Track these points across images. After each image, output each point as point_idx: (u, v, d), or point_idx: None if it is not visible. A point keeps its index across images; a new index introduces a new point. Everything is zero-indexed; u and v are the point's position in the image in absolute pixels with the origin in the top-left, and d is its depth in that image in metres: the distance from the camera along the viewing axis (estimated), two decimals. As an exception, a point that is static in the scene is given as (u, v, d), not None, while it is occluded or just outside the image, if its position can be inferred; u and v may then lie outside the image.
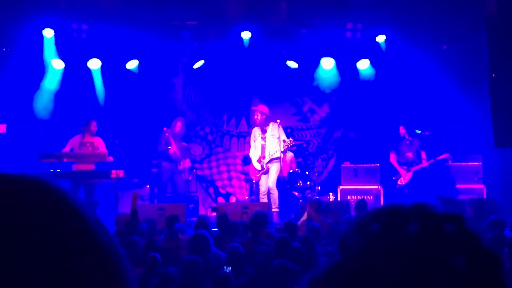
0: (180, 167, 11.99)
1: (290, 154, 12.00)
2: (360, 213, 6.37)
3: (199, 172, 13.12)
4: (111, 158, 10.55)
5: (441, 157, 11.31)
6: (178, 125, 12.20)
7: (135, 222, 7.40)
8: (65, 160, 10.42)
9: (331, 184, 12.64)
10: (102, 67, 12.33)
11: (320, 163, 13.49)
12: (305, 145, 13.48)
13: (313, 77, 13.06)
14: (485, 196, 10.95)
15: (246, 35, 12.14)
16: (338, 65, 12.76)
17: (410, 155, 11.47)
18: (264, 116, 11.11)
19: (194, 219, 9.48)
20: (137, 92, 12.59)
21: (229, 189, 13.43)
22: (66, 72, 12.07)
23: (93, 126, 10.92)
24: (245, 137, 13.56)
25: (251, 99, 13.50)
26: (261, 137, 11.15)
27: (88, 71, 12.30)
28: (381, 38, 12.14)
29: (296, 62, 12.87)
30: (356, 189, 11.67)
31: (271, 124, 11.08)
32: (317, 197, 10.83)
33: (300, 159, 12.88)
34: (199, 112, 13.10)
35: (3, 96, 11.39)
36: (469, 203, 8.76)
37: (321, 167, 13.46)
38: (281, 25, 12.06)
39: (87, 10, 11.27)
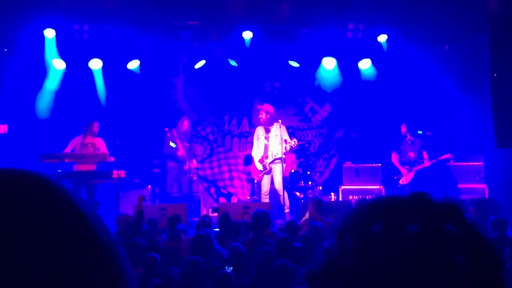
0: (186, 167, 11.95)
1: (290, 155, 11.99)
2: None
3: (200, 172, 13.12)
4: (112, 159, 10.56)
5: (443, 157, 11.30)
6: (185, 124, 12.12)
7: (140, 223, 7.40)
8: (66, 160, 10.43)
9: (333, 184, 12.63)
10: (103, 67, 12.33)
11: (322, 163, 13.49)
12: (306, 145, 13.48)
13: (315, 77, 13.06)
14: (487, 196, 10.94)
15: (247, 35, 12.14)
16: (340, 65, 12.75)
17: (411, 155, 11.46)
18: (269, 116, 11.11)
19: (196, 219, 9.49)
20: (138, 92, 12.59)
21: (231, 189, 13.42)
22: (67, 72, 12.07)
23: (95, 127, 10.93)
24: (246, 137, 13.56)
25: (253, 99, 13.51)
26: (265, 137, 11.14)
27: (89, 71, 12.30)
28: (382, 38, 12.14)
29: (298, 62, 12.87)
30: (358, 189, 11.66)
31: (275, 124, 11.08)
32: (319, 197, 10.82)
33: (301, 159, 12.87)
34: (200, 112, 13.10)
35: (5, 97, 11.40)
36: (470, 203, 8.75)
37: (323, 167, 13.46)
38: (283, 25, 12.06)
39: (88, 10, 11.27)
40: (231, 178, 13.49)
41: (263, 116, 11.15)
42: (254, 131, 12.20)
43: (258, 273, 5.83)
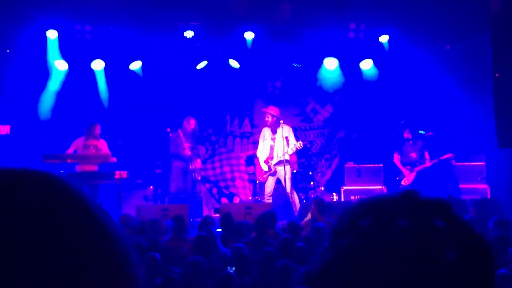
0: (192, 166, 11.93)
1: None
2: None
3: (202, 173, 13.12)
4: (114, 159, 10.56)
5: (445, 157, 11.29)
6: (192, 123, 12.09)
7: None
8: (68, 161, 10.44)
9: (335, 184, 12.62)
10: (105, 68, 12.34)
11: (324, 163, 13.48)
12: (308, 145, 13.47)
13: (316, 77, 13.07)
14: (488, 196, 10.93)
15: (249, 35, 12.15)
16: (341, 65, 12.75)
17: (413, 155, 11.46)
18: (275, 118, 11.13)
19: (198, 219, 9.49)
20: (140, 93, 12.59)
21: (233, 190, 13.42)
22: (69, 73, 12.08)
23: (97, 129, 10.93)
24: (248, 137, 13.56)
25: (254, 100, 13.52)
26: (271, 138, 11.15)
27: (92, 72, 12.31)
28: (384, 38, 12.14)
29: (299, 62, 12.87)
30: (360, 190, 11.65)
31: (282, 126, 11.09)
32: (321, 198, 10.81)
33: (303, 160, 12.86)
34: (202, 113, 13.09)
35: (7, 98, 11.41)
36: (471, 203, 8.74)
37: (325, 168, 13.46)
38: (284, 25, 12.06)
39: (90, 11, 11.28)
40: (233, 179, 13.49)
41: (269, 119, 11.17)
42: (256, 131, 12.23)
43: (260, 274, 5.84)
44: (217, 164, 13.59)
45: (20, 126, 11.46)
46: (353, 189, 11.74)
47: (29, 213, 0.69)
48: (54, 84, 11.95)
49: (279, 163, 10.98)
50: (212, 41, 12.38)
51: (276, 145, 11.04)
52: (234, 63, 12.72)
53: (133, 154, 12.13)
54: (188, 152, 11.80)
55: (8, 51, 11.65)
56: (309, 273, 0.88)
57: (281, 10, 11.68)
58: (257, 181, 11.66)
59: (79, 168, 10.66)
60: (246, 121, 13.65)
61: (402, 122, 11.57)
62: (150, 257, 5.82)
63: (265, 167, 11.18)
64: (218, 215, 9.40)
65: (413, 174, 11.42)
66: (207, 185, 13.37)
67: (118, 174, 10.20)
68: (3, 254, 0.66)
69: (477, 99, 11.54)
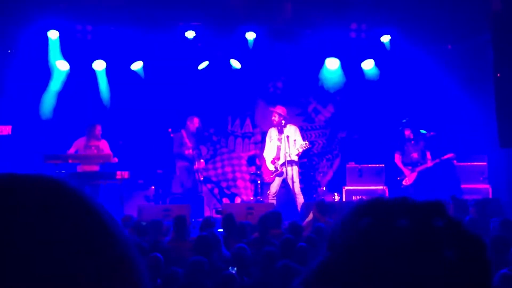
0: (196, 166, 11.92)
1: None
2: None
3: (204, 173, 13.12)
4: (116, 159, 10.57)
5: (446, 156, 11.29)
6: (196, 121, 12.04)
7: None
8: (70, 161, 10.45)
9: (336, 184, 12.62)
10: (106, 68, 12.35)
11: (325, 163, 13.48)
12: (310, 145, 13.46)
13: (318, 77, 13.06)
14: (490, 196, 10.92)
15: (250, 35, 12.15)
16: (343, 66, 12.75)
17: (415, 155, 11.45)
18: (281, 118, 11.09)
19: (200, 219, 9.49)
20: (142, 93, 12.60)
21: (234, 190, 13.42)
22: (71, 73, 12.09)
23: (98, 130, 10.93)
24: (249, 137, 13.57)
25: (256, 100, 13.52)
26: (277, 138, 11.12)
27: (93, 72, 12.32)
28: (385, 38, 12.13)
29: (301, 63, 12.87)
30: (361, 190, 11.65)
31: (288, 126, 11.08)
32: (322, 198, 10.81)
33: (305, 160, 12.86)
34: (204, 113, 13.09)
35: (8, 98, 11.42)
36: (473, 203, 8.73)
37: (326, 168, 13.46)
38: (286, 25, 12.06)
39: (91, 11, 11.29)
40: (234, 179, 13.49)
41: (276, 118, 11.12)
42: (257, 132, 12.23)
43: (261, 274, 5.84)
44: (218, 164, 13.59)
45: (22, 126, 11.47)
46: (355, 189, 11.74)
47: (31, 217, 0.70)
48: (55, 84, 11.96)
49: (286, 163, 10.93)
50: (214, 41, 12.39)
51: (283, 145, 11.00)
52: (235, 63, 12.73)
53: (135, 154, 12.13)
54: (191, 152, 11.77)
55: (9, 51, 11.66)
56: (306, 277, 0.88)
57: (283, 10, 11.68)
58: (258, 181, 11.65)
59: (80, 169, 10.67)
60: (248, 121, 13.65)
61: (404, 121, 11.56)
62: (152, 258, 5.82)
63: (271, 167, 11.15)
64: (219, 216, 9.40)
65: (415, 174, 11.41)
66: (209, 185, 13.37)
67: (119, 174, 10.20)
68: (7, 256, 0.66)
69: (478, 99, 11.54)
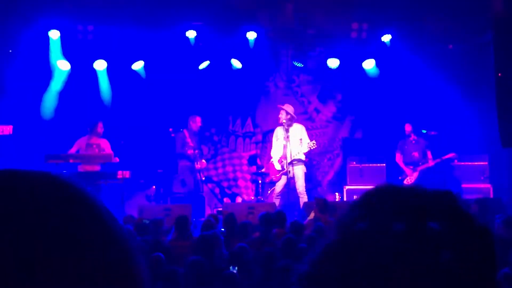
0: (198, 166, 11.91)
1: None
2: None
3: (205, 173, 13.13)
4: (117, 159, 10.57)
5: (447, 156, 11.28)
6: (198, 120, 11.98)
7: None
8: (71, 161, 10.45)
9: (337, 184, 12.62)
10: (107, 68, 12.35)
11: (326, 163, 13.47)
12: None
13: (319, 77, 13.07)
14: (491, 196, 10.92)
15: (251, 35, 12.15)
16: (344, 65, 12.75)
17: (416, 154, 11.45)
18: (289, 116, 11.04)
19: (202, 219, 9.49)
20: (143, 93, 12.61)
21: (235, 190, 13.43)
22: (72, 73, 12.11)
23: (100, 127, 10.95)
24: (250, 137, 13.57)
25: (257, 100, 13.52)
26: (284, 137, 11.07)
27: (94, 72, 12.32)
28: (386, 38, 12.13)
29: (302, 62, 12.87)
30: (362, 189, 11.58)
31: (294, 125, 11.05)
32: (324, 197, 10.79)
33: (306, 160, 12.86)
34: (205, 113, 13.08)
35: (9, 98, 11.43)
36: (474, 203, 8.72)
37: (327, 167, 13.45)
38: (287, 25, 12.06)
39: (92, 11, 11.30)
40: (235, 179, 13.49)
41: (283, 115, 11.04)
42: (258, 131, 12.21)
43: (262, 274, 5.84)
44: (219, 164, 13.59)
45: (23, 126, 11.48)
46: (356, 188, 11.74)
47: (31, 212, 0.70)
48: (56, 84, 11.96)
49: (293, 162, 10.91)
50: (214, 41, 12.39)
51: (289, 144, 10.97)
52: (236, 63, 12.73)
53: (136, 154, 12.13)
54: (191, 151, 11.75)
55: (10, 51, 11.67)
56: (301, 277, 0.87)
57: (284, 10, 11.68)
58: (259, 181, 11.64)
59: (81, 168, 10.68)
60: (249, 121, 13.64)
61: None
62: (154, 257, 5.82)
63: (278, 166, 11.11)
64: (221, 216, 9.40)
65: (416, 174, 11.41)
66: (210, 185, 13.37)
67: (120, 174, 10.21)
68: (8, 252, 0.67)
69: (479, 98, 11.54)
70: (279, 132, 11.20)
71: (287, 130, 11.04)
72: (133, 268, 0.75)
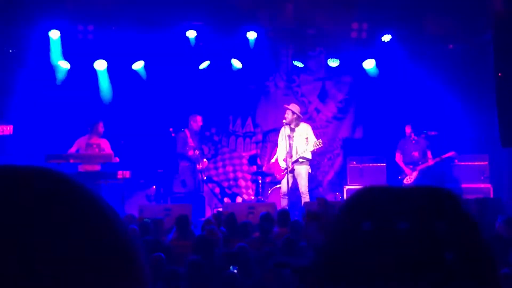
0: (199, 166, 11.90)
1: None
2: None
3: (205, 172, 13.12)
4: (117, 159, 10.58)
5: (447, 155, 11.28)
6: (199, 119, 11.95)
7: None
8: (71, 161, 10.45)
9: (338, 184, 12.62)
10: (108, 68, 12.35)
11: (326, 162, 13.47)
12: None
13: (320, 77, 13.07)
14: (491, 195, 10.92)
15: (251, 35, 12.15)
16: (344, 65, 12.76)
17: (416, 154, 11.44)
18: (295, 115, 11.03)
19: (202, 219, 9.49)
20: (143, 93, 12.61)
21: (235, 190, 13.43)
22: (72, 73, 12.11)
23: (100, 127, 10.96)
24: (251, 137, 13.56)
25: (257, 100, 13.51)
26: (290, 136, 11.05)
27: (94, 72, 12.32)
28: (386, 38, 12.12)
29: (302, 62, 12.86)
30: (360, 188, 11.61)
31: (301, 124, 11.04)
32: (324, 197, 10.77)
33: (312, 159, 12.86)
34: (205, 113, 13.08)
35: (10, 98, 11.43)
36: (474, 202, 8.72)
37: (327, 167, 13.44)
38: (287, 25, 12.07)
39: (92, 11, 11.30)
40: (235, 179, 13.49)
41: (289, 115, 11.01)
42: (258, 131, 12.19)
43: (262, 273, 5.84)
44: (219, 164, 13.59)
45: (23, 126, 11.47)
46: (356, 188, 11.69)
47: (31, 207, 0.70)
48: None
49: (298, 161, 10.90)
50: (215, 40, 12.39)
51: (295, 143, 10.95)
52: (236, 63, 12.73)
53: (136, 154, 12.13)
54: (191, 152, 11.73)
55: (10, 51, 11.67)
56: (301, 269, 0.87)
57: (284, 10, 11.68)
58: (260, 181, 11.65)
59: (81, 168, 10.68)
60: (249, 121, 13.64)
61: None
62: (155, 257, 5.83)
63: (283, 165, 11.08)
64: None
65: (416, 173, 11.40)
66: (210, 185, 13.37)
67: (120, 174, 10.21)
68: (9, 246, 0.67)
69: (479, 98, 11.53)
70: (284, 131, 11.17)
71: (293, 130, 11.02)
72: (136, 265, 0.75)
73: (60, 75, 12.01)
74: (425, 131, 11.43)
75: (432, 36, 11.76)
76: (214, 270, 5.73)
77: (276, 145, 11.68)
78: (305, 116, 13.49)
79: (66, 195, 0.74)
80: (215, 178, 13.52)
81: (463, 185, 11.25)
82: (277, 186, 11.37)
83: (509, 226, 6.65)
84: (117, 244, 0.74)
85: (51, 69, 11.93)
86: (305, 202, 10.50)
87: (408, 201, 0.86)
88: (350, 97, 13.27)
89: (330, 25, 11.79)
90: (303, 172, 10.84)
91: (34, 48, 11.59)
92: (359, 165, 12.01)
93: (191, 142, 11.72)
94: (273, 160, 11.71)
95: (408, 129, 11.52)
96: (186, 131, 11.81)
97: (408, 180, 11.43)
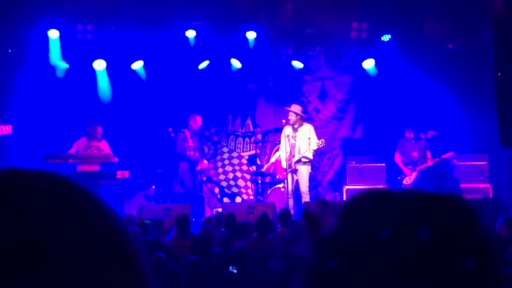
0: (198, 168, 11.89)
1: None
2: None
3: (205, 172, 13.13)
4: (116, 159, 10.58)
5: (446, 155, 11.28)
6: (198, 119, 11.95)
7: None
8: (70, 161, 10.45)
9: (337, 184, 12.62)
10: (107, 67, 12.35)
11: (326, 162, 13.46)
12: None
13: (319, 77, 13.08)
14: (491, 196, 10.92)
15: (251, 35, 12.15)
16: (343, 65, 12.76)
17: (415, 154, 11.44)
18: (299, 116, 11.05)
19: (202, 219, 9.50)
20: (142, 93, 12.61)
21: (235, 189, 13.43)
22: (71, 73, 12.11)
23: (99, 131, 10.96)
24: (250, 137, 13.57)
25: (256, 99, 13.51)
26: (292, 136, 11.06)
27: (93, 71, 12.32)
28: (386, 38, 12.13)
29: (302, 62, 12.87)
30: (362, 189, 11.61)
31: (304, 124, 11.06)
32: (323, 197, 10.79)
33: (313, 160, 12.86)
34: (204, 112, 13.09)
35: (9, 98, 11.42)
36: (474, 203, 8.71)
37: (327, 167, 13.44)
38: (287, 25, 12.07)
39: (91, 10, 11.29)
40: (235, 178, 13.50)
41: (293, 117, 11.03)
42: (258, 131, 12.18)
43: (262, 273, 5.84)
44: (219, 164, 13.60)
45: (22, 126, 11.47)
46: (355, 188, 11.74)
47: (32, 209, 0.70)
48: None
49: (300, 162, 10.90)
50: (214, 40, 12.40)
51: (297, 143, 10.96)
52: (236, 63, 12.73)
53: (135, 154, 12.13)
54: (192, 153, 11.73)
55: (10, 51, 11.67)
56: (310, 273, 0.86)
57: (283, 9, 11.68)
58: (259, 181, 11.64)
59: (80, 168, 10.68)
60: (248, 121, 13.64)
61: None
62: (155, 257, 5.82)
63: (285, 165, 11.08)
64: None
65: (415, 174, 11.40)
66: (209, 185, 13.38)
67: (120, 174, 10.21)
68: (10, 245, 0.67)
69: (479, 98, 11.52)
70: (287, 131, 11.17)
71: (295, 130, 11.04)
72: (136, 265, 0.75)
73: (60, 74, 12.01)
74: (423, 135, 11.43)
75: (431, 36, 11.76)
76: (213, 269, 5.73)
77: (275, 144, 11.69)
78: (305, 116, 13.52)
79: (65, 197, 0.74)
80: (215, 178, 13.52)
81: (463, 185, 11.25)
82: (277, 186, 11.37)
83: (509, 226, 6.64)
84: (117, 245, 0.74)
85: (50, 69, 11.93)
86: (305, 202, 10.50)
87: (417, 208, 0.85)
88: (350, 97, 13.27)
89: (330, 25, 11.79)
90: (304, 172, 10.87)
91: (33, 47, 11.59)
92: (358, 165, 12.01)
93: (190, 142, 11.71)
94: (272, 160, 11.72)
95: (408, 134, 11.54)
96: (186, 131, 11.81)
97: (408, 180, 11.42)
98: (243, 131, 13.68)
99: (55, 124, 11.85)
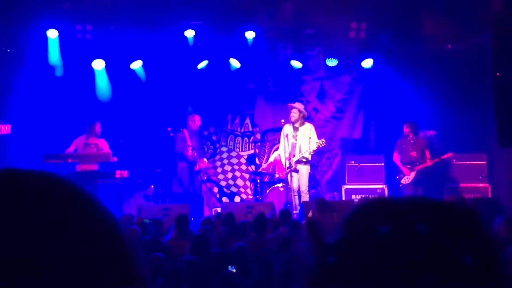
0: (197, 167, 11.88)
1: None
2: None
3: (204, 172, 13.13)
4: (115, 159, 10.57)
5: (445, 156, 11.28)
6: (197, 119, 11.95)
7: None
8: (69, 160, 10.45)
9: (336, 183, 12.62)
10: (106, 67, 12.34)
11: (325, 162, 13.46)
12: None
13: (318, 77, 13.08)
14: (489, 195, 10.93)
15: (250, 34, 12.15)
16: (342, 65, 12.76)
17: (414, 154, 11.43)
18: (301, 114, 11.03)
19: (200, 219, 9.49)
20: (141, 92, 12.61)
21: (234, 189, 13.42)
22: (70, 72, 12.10)
23: (98, 127, 10.95)
24: (249, 136, 13.56)
25: (255, 99, 13.51)
26: (293, 135, 11.04)
27: (92, 71, 12.31)
28: (384, 38, 12.13)
29: (300, 62, 12.86)
30: (361, 188, 11.66)
31: (306, 124, 11.04)
32: (322, 197, 10.79)
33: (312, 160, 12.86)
34: (203, 112, 13.08)
35: (8, 97, 11.41)
36: (473, 202, 8.72)
37: (326, 166, 13.44)
38: (286, 25, 12.07)
39: (91, 10, 11.29)
40: (234, 178, 13.49)
41: (295, 114, 11.01)
42: (256, 131, 12.17)
43: (261, 273, 5.84)
44: (218, 163, 13.59)
45: (21, 125, 11.46)
46: (354, 188, 11.76)
47: (30, 209, 0.70)
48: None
49: (301, 161, 10.89)
50: (213, 40, 12.39)
51: (298, 142, 10.95)
52: (235, 62, 12.73)
53: (134, 153, 12.12)
54: (189, 153, 11.71)
55: (9, 50, 11.66)
56: (311, 273, 0.87)
57: (282, 9, 11.69)
58: (258, 180, 11.64)
59: (79, 168, 10.67)
60: (247, 120, 13.64)
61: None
62: (154, 257, 5.82)
63: (286, 164, 11.07)
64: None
65: (414, 173, 11.40)
66: (208, 184, 13.37)
67: (119, 173, 10.20)
68: (10, 244, 0.67)
69: (478, 97, 11.53)
70: (287, 129, 11.15)
71: (296, 129, 11.03)
72: (134, 265, 0.76)
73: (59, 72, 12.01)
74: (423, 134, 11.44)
75: (430, 36, 11.77)
76: (212, 269, 5.73)
77: (274, 144, 11.68)
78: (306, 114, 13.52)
79: (64, 197, 0.74)
80: (213, 178, 13.51)
81: (461, 185, 11.27)
82: (275, 185, 11.37)
83: (509, 226, 6.64)
84: (115, 245, 0.75)
85: (49, 69, 11.92)
86: (304, 201, 10.51)
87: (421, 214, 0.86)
88: (349, 97, 13.27)
89: (329, 25, 11.79)
90: (304, 171, 10.87)
91: (32, 47, 11.58)
92: (357, 164, 12.02)
93: (189, 142, 11.70)
94: (271, 159, 11.71)
95: (406, 128, 11.52)
96: (185, 131, 11.80)
97: (406, 180, 11.42)
98: (242, 130, 13.67)
99: (54, 124, 11.84)
